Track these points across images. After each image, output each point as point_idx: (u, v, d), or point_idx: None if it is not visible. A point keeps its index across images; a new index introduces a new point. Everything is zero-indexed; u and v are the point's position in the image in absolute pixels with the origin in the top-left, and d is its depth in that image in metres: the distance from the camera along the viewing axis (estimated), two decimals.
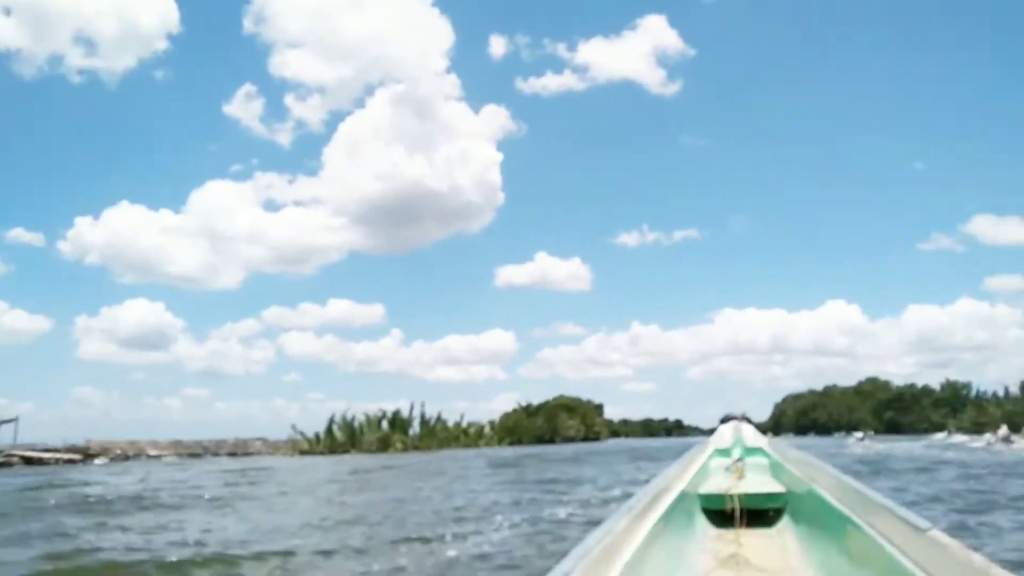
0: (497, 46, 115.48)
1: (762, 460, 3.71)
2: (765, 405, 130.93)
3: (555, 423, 79.69)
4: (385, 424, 49.57)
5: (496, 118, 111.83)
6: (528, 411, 78.43)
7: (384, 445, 45.47)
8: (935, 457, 23.54)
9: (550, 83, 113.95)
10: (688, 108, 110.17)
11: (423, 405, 54.16)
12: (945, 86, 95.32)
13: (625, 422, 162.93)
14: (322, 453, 43.33)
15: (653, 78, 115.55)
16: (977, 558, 1.18)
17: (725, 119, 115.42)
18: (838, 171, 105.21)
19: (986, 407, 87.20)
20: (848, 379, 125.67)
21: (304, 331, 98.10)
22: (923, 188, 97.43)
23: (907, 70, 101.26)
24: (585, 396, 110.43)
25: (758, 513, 2.69)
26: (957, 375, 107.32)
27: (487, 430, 66.34)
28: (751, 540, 2.42)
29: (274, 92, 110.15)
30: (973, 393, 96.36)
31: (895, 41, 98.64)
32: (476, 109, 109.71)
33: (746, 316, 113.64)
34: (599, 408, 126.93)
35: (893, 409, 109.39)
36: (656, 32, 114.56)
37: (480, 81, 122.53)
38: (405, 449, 45.27)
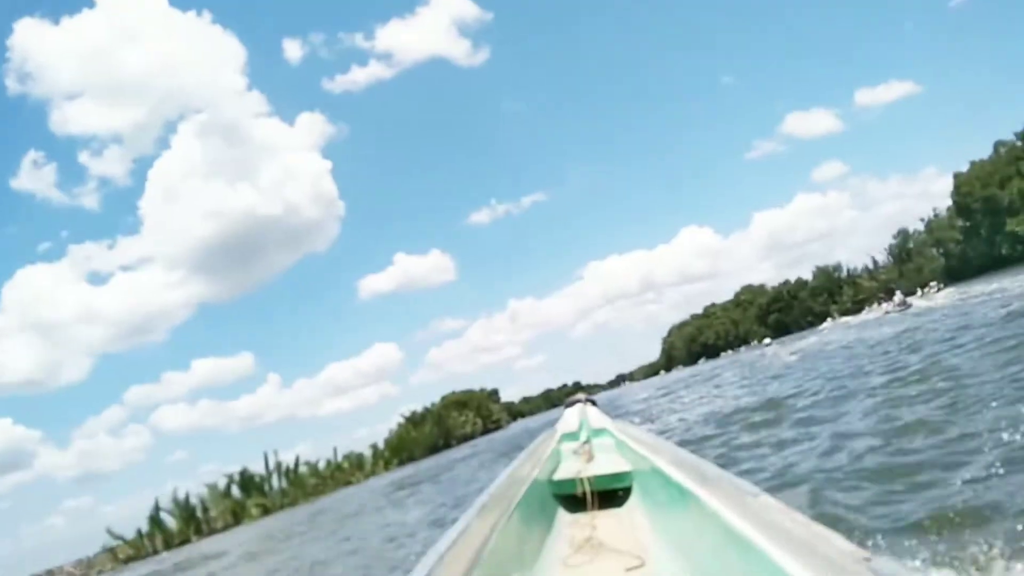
0: (292, 50, 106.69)
1: (608, 441, 3.69)
2: (653, 343, 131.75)
3: (446, 425, 71.84)
4: (236, 490, 40.15)
5: (313, 125, 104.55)
6: (413, 420, 70.34)
7: (236, 517, 36.32)
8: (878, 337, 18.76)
9: (358, 77, 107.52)
10: (501, 73, 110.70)
11: (276, 453, 44.85)
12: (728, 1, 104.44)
13: (526, 400, 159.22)
14: (153, 553, 33.71)
15: (459, 50, 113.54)
16: (800, 516, 1.29)
17: (538, 77, 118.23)
18: (655, 104, 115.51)
19: (861, 283, 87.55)
20: (720, 298, 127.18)
21: (174, 403, 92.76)
22: (735, 100, 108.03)
23: None
24: (483, 386, 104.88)
25: (609, 494, 2.76)
26: (809, 268, 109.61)
27: (369, 456, 57.84)
28: (604, 521, 2.50)
29: (63, 153, 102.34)
30: (844, 273, 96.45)
31: None
32: (290, 121, 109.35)
33: (610, 264, 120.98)
34: (494, 394, 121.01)
35: (775, 311, 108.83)
36: (450, 2, 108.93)
37: (285, 91, 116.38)
38: (267, 513, 36.43)
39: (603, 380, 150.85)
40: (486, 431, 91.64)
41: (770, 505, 1.41)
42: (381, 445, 60.11)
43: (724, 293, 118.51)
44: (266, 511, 37.38)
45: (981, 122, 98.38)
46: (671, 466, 2.23)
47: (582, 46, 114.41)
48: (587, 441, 3.66)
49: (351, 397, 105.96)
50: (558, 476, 2.93)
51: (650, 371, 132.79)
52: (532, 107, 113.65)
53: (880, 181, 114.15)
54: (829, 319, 77.41)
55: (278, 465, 42.97)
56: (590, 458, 3.28)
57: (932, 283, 56.99)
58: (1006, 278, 32.07)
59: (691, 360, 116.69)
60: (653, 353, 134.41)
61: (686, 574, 1.84)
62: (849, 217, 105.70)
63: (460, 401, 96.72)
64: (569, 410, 4.31)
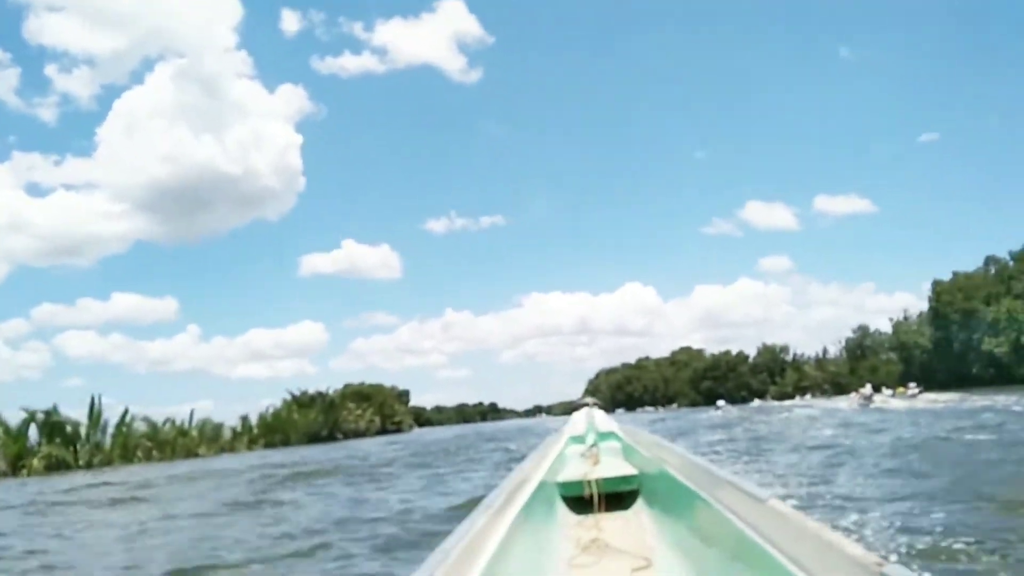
0: (290, 22, 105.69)
1: (615, 444, 3.80)
2: (577, 383, 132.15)
3: (335, 415, 63.44)
4: (34, 432, 31.47)
5: (293, 98, 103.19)
6: (299, 402, 61.93)
7: (13, 467, 27.86)
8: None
9: (348, 63, 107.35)
10: (489, 96, 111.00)
11: (98, 399, 35.48)
12: (717, 81, 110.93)
13: (439, 409, 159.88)
14: None
15: (454, 64, 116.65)
16: (811, 522, 1.27)
17: (523, 107, 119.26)
18: (628, 157, 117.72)
19: (807, 370, 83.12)
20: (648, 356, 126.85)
21: (84, 330, 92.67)
22: (704, 176, 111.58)
23: (686, 64, 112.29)
24: (402, 385, 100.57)
25: (615, 496, 2.75)
26: (737, 349, 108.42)
27: (240, 429, 49.46)
28: (610, 523, 2.49)
29: (31, 61, 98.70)
30: (791, 356, 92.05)
31: (677, 38, 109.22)
32: (271, 88, 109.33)
33: (552, 300, 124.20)
34: (404, 395, 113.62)
35: (710, 379, 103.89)
36: (455, 17, 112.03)
37: (273, 59, 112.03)
38: (58, 469, 28.16)
39: (520, 407, 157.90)
40: (384, 431, 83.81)
41: (780, 510, 1.39)
42: (231, 421, 51.60)
43: (653, 353, 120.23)
44: (59, 466, 29.05)
45: (927, 252, 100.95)
46: (678, 469, 2.28)
47: (573, 89, 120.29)
48: (594, 444, 3.74)
49: (267, 366, 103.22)
50: (565, 478, 2.93)
51: (570, 408, 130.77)
52: (511, 134, 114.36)
53: (821, 285, 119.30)
54: (762, 399, 73.06)
55: (98, 416, 34.07)
56: (597, 461, 3.30)
57: (911, 384, 51.98)
58: (977, 395, 30.31)
59: (611, 407, 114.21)
60: (575, 392, 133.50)
61: None
62: (785, 311, 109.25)
63: (363, 393, 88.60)
64: (577, 413, 4.71)
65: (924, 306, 61.64)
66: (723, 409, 52.25)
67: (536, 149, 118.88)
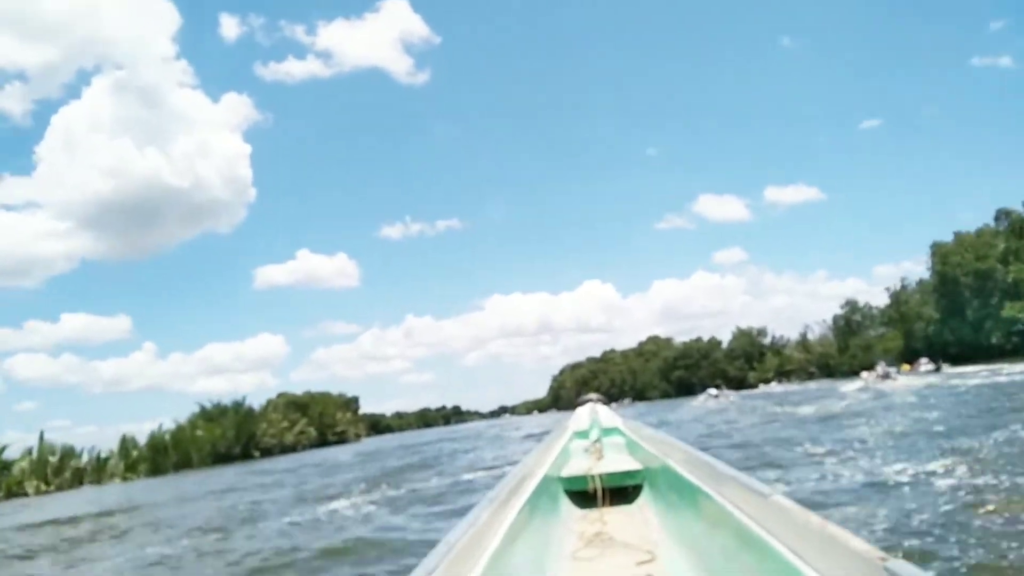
0: (229, 27, 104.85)
1: (619, 439, 3.78)
2: (543, 382, 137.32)
3: (249, 428, 53.28)
4: None
5: (239, 107, 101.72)
6: (207, 414, 51.87)
7: None
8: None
9: (293, 69, 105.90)
10: (438, 97, 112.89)
11: None
12: (666, 77, 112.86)
13: (399, 415, 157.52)
14: None
15: (401, 66, 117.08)
16: (814, 517, 1.26)
17: (474, 109, 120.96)
18: (581, 156, 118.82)
19: (790, 353, 75.21)
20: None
21: (34, 352, 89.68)
22: (656, 172, 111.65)
23: (634, 61, 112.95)
24: (366, 393, 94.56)
25: (619, 491, 2.76)
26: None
27: (115, 456, 39.59)
28: (614, 517, 2.52)
29: None
30: (768, 339, 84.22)
31: (625, 37, 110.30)
32: (215, 98, 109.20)
33: (513, 300, 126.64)
34: (353, 402, 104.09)
35: (681, 367, 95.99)
36: (400, 17, 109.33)
37: (216, 67, 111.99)
38: None
39: (486, 409, 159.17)
40: (324, 443, 74.11)
41: (783, 504, 1.39)
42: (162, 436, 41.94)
43: (617, 347, 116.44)
44: None
45: (876, 237, 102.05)
46: (682, 464, 2.27)
47: (523, 88, 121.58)
48: (598, 439, 3.68)
49: (227, 380, 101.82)
50: (569, 472, 2.94)
51: (534, 407, 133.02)
52: (462, 136, 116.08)
53: (775, 274, 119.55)
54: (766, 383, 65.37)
55: None
56: (601, 456, 3.31)
57: (923, 359, 44.29)
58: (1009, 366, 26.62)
59: (574, 406, 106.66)
60: (540, 392, 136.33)
61: (697, 571, 1.81)
62: (742, 301, 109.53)
63: (299, 403, 78.86)
64: (581, 408, 4.46)
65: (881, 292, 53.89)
66: (720, 395, 44.40)
67: (489, 151, 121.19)
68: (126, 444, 40.65)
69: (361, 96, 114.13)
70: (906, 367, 44.58)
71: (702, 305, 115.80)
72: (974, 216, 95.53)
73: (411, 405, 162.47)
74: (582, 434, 3.91)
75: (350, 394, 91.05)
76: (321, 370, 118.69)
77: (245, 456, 51.18)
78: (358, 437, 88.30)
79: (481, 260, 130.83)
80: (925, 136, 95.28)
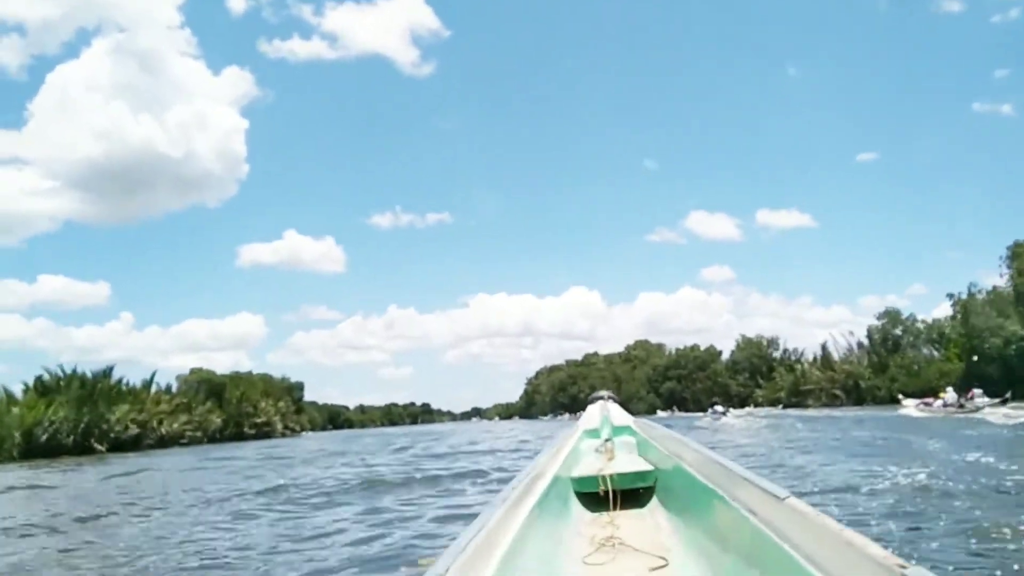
0: (236, 1, 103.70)
1: (630, 439, 3.65)
2: (519, 386, 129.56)
3: (99, 411, 38.98)
4: None
5: (239, 82, 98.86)
6: (43, 388, 38.14)
7: None
8: None
9: (298, 48, 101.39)
10: (440, 91, 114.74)
11: None
12: (671, 93, 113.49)
13: (362, 409, 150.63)
14: None
15: (407, 57, 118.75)
16: (831, 522, 1.24)
17: (475, 104, 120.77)
18: (577, 161, 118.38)
19: (810, 370, 61.91)
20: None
21: (7, 313, 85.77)
22: (651, 184, 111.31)
23: (640, 74, 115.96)
24: (343, 383, 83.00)
25: (630, 492, 2.69)
26: None
27: None
28: (625, 520, 2.45)
29: None
30: (779, 352, 71.01)
31: (634, 49, 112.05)
32: (216, 70, 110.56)
33: (498, 300, 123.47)
34: (297, 389, 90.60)
35: (673, 378, 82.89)
36: (412, 7, 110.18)
37: (219, 40, 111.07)
38: None
39: (458, 410, 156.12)
40: (239, 436, 60.31)
41: (799, 508, 1.37)
42: None
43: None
44: None
45: (864, 268, 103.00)
46: (695, 466, 2.22)
47: (526, 90, 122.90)
48: (609, 439, 3.56)
49: (203, 358, 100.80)
50: (579, 473, 2.87)
51: (506, 412, 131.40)
52: (460, 131, 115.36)
53: (761, 296, 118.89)
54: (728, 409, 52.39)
55: None
56: (612, 456, 3.24)
57: (975, 390, 31.80)
58: None
59: (553, 411, 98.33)
60: (514, 396, 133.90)
61: None
62: (726, 321, 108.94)
63: (213, 383, 65.15)
64: (591, 407, 4.24)
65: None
66: (747, 414, 32.68)
67: (486, 149, 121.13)
68: None
69: (363, 82, 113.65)
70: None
71: (686, 320, 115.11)
72: (965, 255, 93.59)
73: (387, 398, 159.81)
74: (593, 433, 3.67)
75: (319, 381, 79.25)
76: (298, 355, 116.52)
77: (84, 450, 37.85)
78: (293, 431, 75.07)
79: (469, 257, 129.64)
80: (920, 174, 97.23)
